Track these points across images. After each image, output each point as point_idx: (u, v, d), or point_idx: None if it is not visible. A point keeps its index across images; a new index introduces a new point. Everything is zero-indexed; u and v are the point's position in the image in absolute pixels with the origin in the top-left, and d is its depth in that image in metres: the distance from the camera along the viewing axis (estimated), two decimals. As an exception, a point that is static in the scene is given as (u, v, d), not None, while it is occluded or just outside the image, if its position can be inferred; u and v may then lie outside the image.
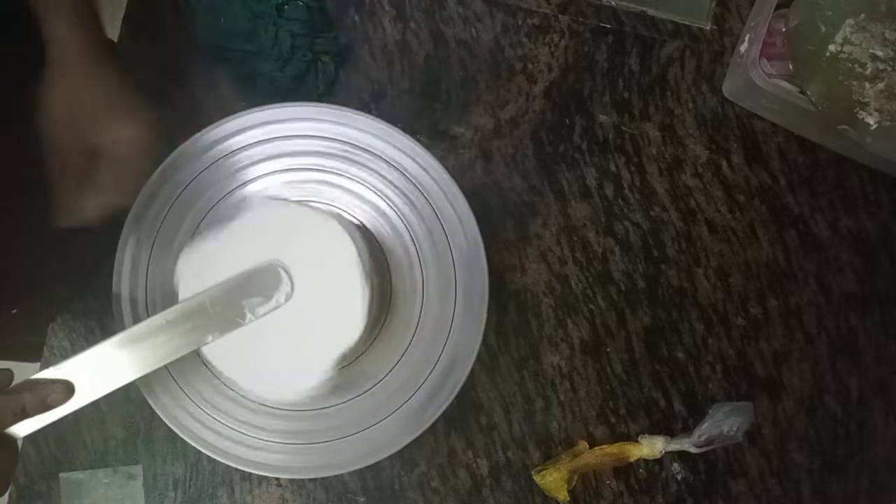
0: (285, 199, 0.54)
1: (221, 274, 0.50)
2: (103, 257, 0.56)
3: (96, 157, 0.46)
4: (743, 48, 0.65)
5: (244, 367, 0.50)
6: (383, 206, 0.56)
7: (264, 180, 0.57)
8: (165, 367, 0.53)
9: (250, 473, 0.53)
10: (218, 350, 0.50)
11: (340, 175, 0.56)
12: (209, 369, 0.54)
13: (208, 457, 0.53)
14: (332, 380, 0.51)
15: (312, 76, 0.65)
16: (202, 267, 0.50)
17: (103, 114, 0.46)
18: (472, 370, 0.53)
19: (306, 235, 0.51)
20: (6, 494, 0.60)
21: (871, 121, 0.58)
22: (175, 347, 0.47)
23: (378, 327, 0.54)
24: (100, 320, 0.62)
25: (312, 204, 0.53)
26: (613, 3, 0.68)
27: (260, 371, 0.50)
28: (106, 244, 0.55)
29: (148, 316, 0.54)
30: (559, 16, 0.68)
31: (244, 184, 0.56)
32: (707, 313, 0.64)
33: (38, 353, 0.63)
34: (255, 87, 0.64)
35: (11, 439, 0.44)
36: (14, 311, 0.61)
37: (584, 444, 0.61)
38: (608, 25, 0.68)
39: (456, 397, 0.53)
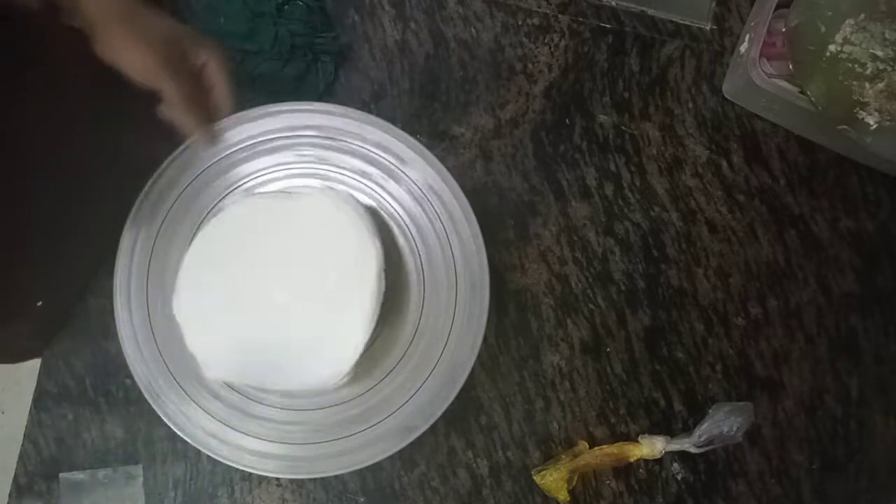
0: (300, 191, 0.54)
1: (231, 260, 0.51)
2: (104, 256, 0.56)
3: (197, 81, 0.50)
4: (743, 48, 0.65)
5: (255, 367, 0.51)
6: (384, 204, 0.56)
7: (263, 178, 0.57)
8: (166, 366, 0.53)
9: (250, 473, 0.53)
10: (222, 353, 0.51)
11: (341, 174, 0.56)
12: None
13: (208, 457, 0.53)
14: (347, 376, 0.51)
15: (313, 76, 0.65)
16: (215, 250, 0.52)
17: (194, 39, 0.49)
18: (472, 370, 0.53)
19: (325, 228, 0.52)
20: (6, 494, 0.60)
21: (871, 121, 0.58)
22: None
23: (380, 327, 0.54)
24: (100, 320, 0.62)
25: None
26: (613, 3, 0.68)
27: (274, 368, 0.51)
28: (106, 243, 0.55)
29: (148, 316, 0.54)
30: (559, 16, 0.68)
31: (243, 182, 0.56)
32: (707, 313, 0.64)
33: (39, 348, 0.63)
34: (254, 87, 0.64)
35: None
36: (39, 303, 0.60)
37: (584, 444, 0.61)
38: (608, 25, 0.68)
39: (456, 397, 0.53)
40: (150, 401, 0.53)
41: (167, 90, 0.48)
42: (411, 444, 0.52)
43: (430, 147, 0.55)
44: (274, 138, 0.56)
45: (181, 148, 0.55)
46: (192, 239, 0.54)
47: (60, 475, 0.60)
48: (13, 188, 0.53)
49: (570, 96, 0.67)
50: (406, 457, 0.61)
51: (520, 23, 0.68)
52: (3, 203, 0.52)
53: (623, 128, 0.67)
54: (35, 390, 0.62)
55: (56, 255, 0.59)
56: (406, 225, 0.56)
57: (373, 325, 0.51)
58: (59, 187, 0.57)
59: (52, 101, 0.55)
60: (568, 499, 0.59)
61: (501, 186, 0.66)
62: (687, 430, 0.60)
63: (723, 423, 0.57)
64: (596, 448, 0.60)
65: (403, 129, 0.55)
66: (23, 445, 0.61)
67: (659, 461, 0.61)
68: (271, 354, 0.51)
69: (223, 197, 0.56)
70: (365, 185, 0.56)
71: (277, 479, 0.60)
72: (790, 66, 0.62)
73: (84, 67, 0.47)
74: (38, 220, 0.57)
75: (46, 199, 0.56)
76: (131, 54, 0.46)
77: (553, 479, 0.58)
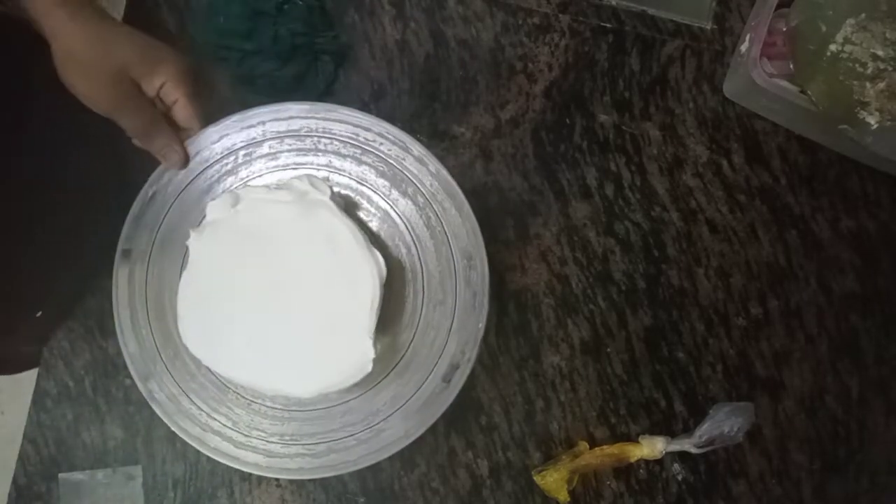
0: (294, 192, 0.54)
1: (231, 262, 0.51)
2: (103, 256, 0.56)
3: (160, 101, 0.50)
4: (744, 48, 0.64)
5: (257, 370, 0.51)
6: (384, 205, 0.56)
7: (263, 179, 0.56)
8: (166, 366, 0.53)
9: (250, 474, 0.53)
10: (225, 356, 0.51)
11: (341, 174, 0.56)
12: (209, 369, 0.54)
13: (208, 457, 0.53)
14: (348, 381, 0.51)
15: (312, 75, 0.65)
16: (211, 253, 0.51)
17: (145, 63, 0.48)
18: (472, 370, 0.53)
19: (320, 234, 0.51)
20: (6, 495, 0.60)
21: (871, 120, 0.58)
22: None
23: (379, 329, 0.54)
24: (99, 320, 0.62)
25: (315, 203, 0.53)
26: (614, 2, 0.68)
27: (274, 371, 0.51)
28: (105, 243, 0.55)
29: (147, 316, 0.54)
30: (559, 15, 0.68)
31: (243, 183, 0.56)
32: (708, 313, 0.64)
33: (37, 357, 0.63)
34: (254, 87, 0.64)
35: None
36: (38, 313, 0.60)
37: (584, 445, 0.61)
38: (608, 25, 0.68)
39: (456, 397, 0.53)
40: (150, 401, 0.53)
41: (126, 124, 0.48)
42: (411, 444, 0.52)
43: (430, 147, 0.55)
44: (273, 138, 0.56)
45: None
46: (191, 240, 0.54)
47: (60, 475, 0.60)
48: (9, 196, 0.52)
49: (570, 96, 0.67)
50: (406, 457, 0.61)
51: (520, 22, 0.68)
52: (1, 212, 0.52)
53: (623, 127, 0.67)
54: (34, 391, 0.62)
55: (54, 263, 0.59)
56: (406, 224, 0.56)
57: (372, 333, 0.51)
58: (57, 193, 0.57)
59: (48, 110, 0.54)
60: (568, 499, 0.59)
61: (501, 186, 0.65)
62: (687, 430, 0.60)
63: (723, 424, 0.57)
64: (596, 448, 0.60)
65: (403, 128, 0.55)
66: (22, 446, 0.61)
67: (659, 462, 0.61)
68: (275, 360, 0.51)
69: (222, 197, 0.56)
70: (364, 184, 0.56)
71: (277, 479, 0.60)
72: (791, 66, 0.62)
73: None
74: (35, 229, 0.57)
75: (43, 206, 0.56)
76: (88, 90, 0.46)
77: (553, 480, 0.58)
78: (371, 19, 0.68)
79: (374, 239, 0.55)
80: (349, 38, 0.67)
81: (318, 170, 0.56)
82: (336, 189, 0.55)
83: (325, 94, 0.65)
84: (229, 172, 0.56)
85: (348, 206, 0.55)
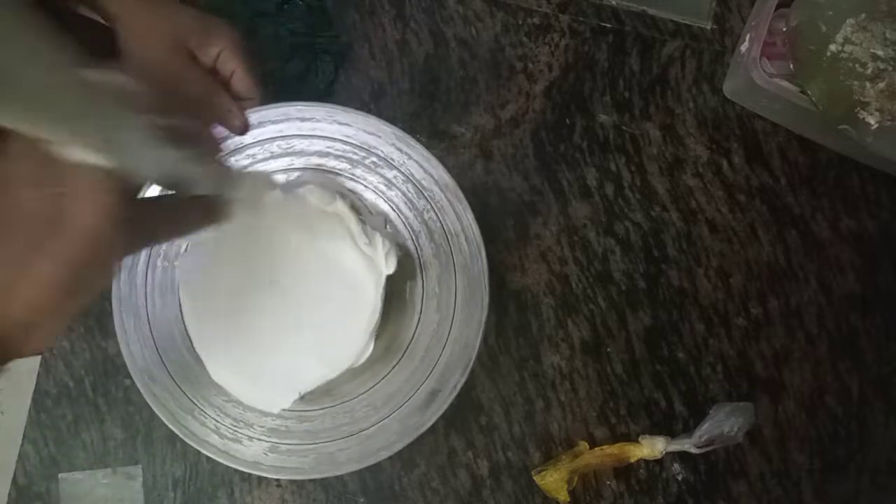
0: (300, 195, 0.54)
1: (233, 260, 0.51)
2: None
3: (219, 73, 0.49)
4: (744, 48, 0.64)
5: (245, 378, 0.51)
6: (383, 205, 0.56)
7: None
8: (165, 367, 0.53)
9: (250, 474, 0.53)
10: (222, 364, 0.51)
11: (340, 175, 0.56)
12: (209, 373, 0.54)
13: (208, 457, 0.53)
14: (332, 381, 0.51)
15: (312, 75, 0.65)
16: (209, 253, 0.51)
17: (201, 32, 0.47)
18: (472, 370, 0.53)
19: (320, 235, 0.51)
20: (6, 495, 0.60)
21: (871, 120, 0.58)
22: None
23: (379, 328, 0.54)
24: (99, 320, 0.62)
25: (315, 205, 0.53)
26: (614, 2, 0.68)
27: (262, 377, 0.51)
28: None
29: (147, 316, 0.54)
30: (559, 15, 0.68)
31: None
32: (708, 313, 0.64)
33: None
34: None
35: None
36: None
37: (584, 445, 0.61)
38: (608, 25, 0.68)
39: (456, 397, 0.53)
40: (150, 401, 0.53)
41: (185, 93, 0.48)
42: (411, 444, 0.52)
43: (430, 147, 0.55)
44: (273, 139, 0.56)
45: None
46: (192, 238, 0.54)
47: (60, 475, 0.60)
48: None
49: (570, 96, 0.67)
50: (406, 457, 0.61)
51: (520, 22, 0.68)
52: None
53: (623, 127, 0.67)
54: (34, 390, 0.62)
55: None
56: (405, 225, 0.56)
57: (374, 327, 0.51)
58: None
59: None
60: (568, 499, 0.59)
61: (501, 186, 0.65)
62: (687, 430, 0.60)
63: (723, 424, 0.57)
64: (596, 448, 0.60)
65: (403, 128, 0.55)
66: (22, 445, 0.61)
67: (659, 461, 0.61)
68: (274, 358, 0.51)
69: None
70: (364, 185, 0.56)
71: (277, 479, 0.60)
72: (791, 66, 0.62)
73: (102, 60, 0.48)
74: None
75: None
76: (149, 62, 0.46)
77: (553, 480, 0.58)
78: (371, 19, 0.68)
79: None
80: (349, 38, 0.67)
81: (321, 170, 0.56)
82: (340, 189, 0.55)
83: (324, 93, 0.65)
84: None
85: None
